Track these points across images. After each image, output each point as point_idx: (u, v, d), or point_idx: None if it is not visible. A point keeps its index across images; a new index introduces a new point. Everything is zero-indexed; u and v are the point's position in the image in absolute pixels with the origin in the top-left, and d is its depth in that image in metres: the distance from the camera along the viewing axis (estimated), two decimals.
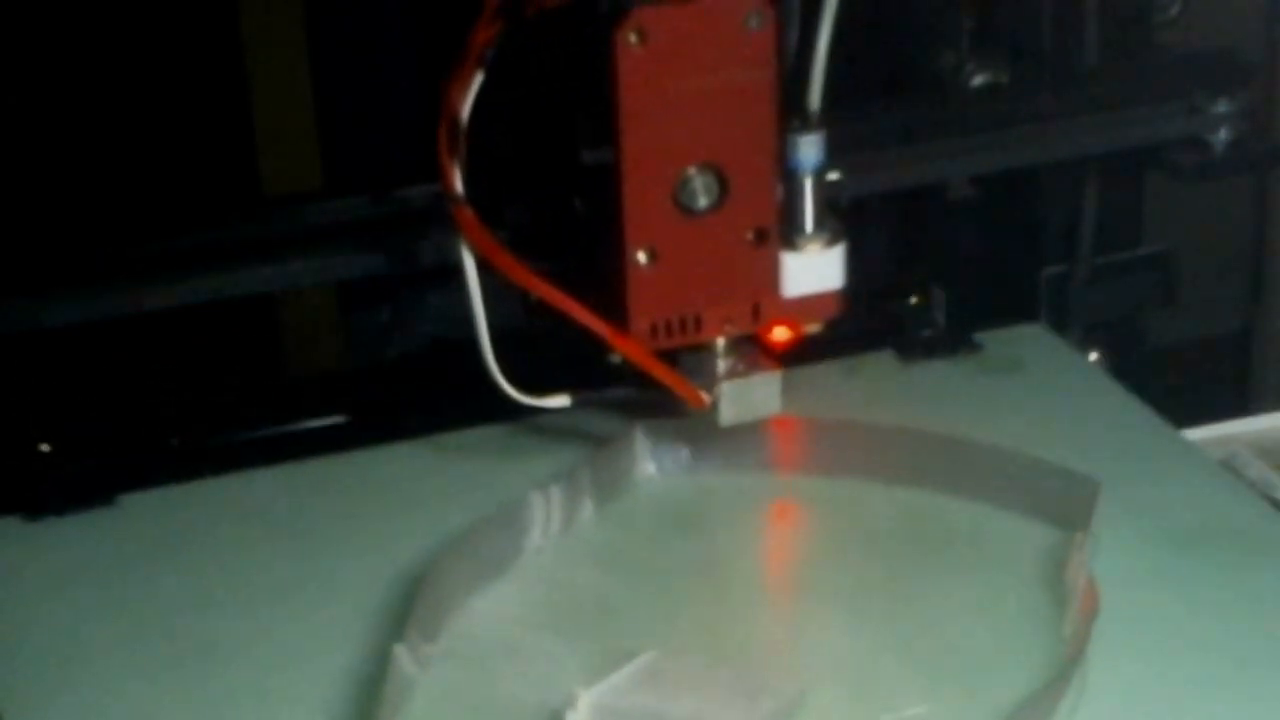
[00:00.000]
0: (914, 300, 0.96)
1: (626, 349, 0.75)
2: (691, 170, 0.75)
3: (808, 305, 0.79)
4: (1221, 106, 1.00)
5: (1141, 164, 1.06)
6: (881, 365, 0.92)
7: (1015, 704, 0.66)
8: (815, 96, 0.77)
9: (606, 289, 0.76)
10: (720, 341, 0.78)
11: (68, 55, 1.00)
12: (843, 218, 0.80)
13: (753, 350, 0.79)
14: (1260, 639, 0.71)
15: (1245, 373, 1.16)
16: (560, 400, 0.78)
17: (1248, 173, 1.09)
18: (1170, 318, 1.10)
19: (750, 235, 0.77)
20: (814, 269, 0.78)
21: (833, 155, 0.84)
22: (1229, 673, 0.70)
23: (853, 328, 0.94)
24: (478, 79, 0.72)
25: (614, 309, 0.76)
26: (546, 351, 0.76)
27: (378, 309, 1.05)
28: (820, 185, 0.78)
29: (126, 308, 0.86)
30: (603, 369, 0.77)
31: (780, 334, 0.79)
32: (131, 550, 0.79)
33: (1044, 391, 0.89)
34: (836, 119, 0.80)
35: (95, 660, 0.73)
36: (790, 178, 0.78)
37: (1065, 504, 0.76)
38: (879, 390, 0.89)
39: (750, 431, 0.81)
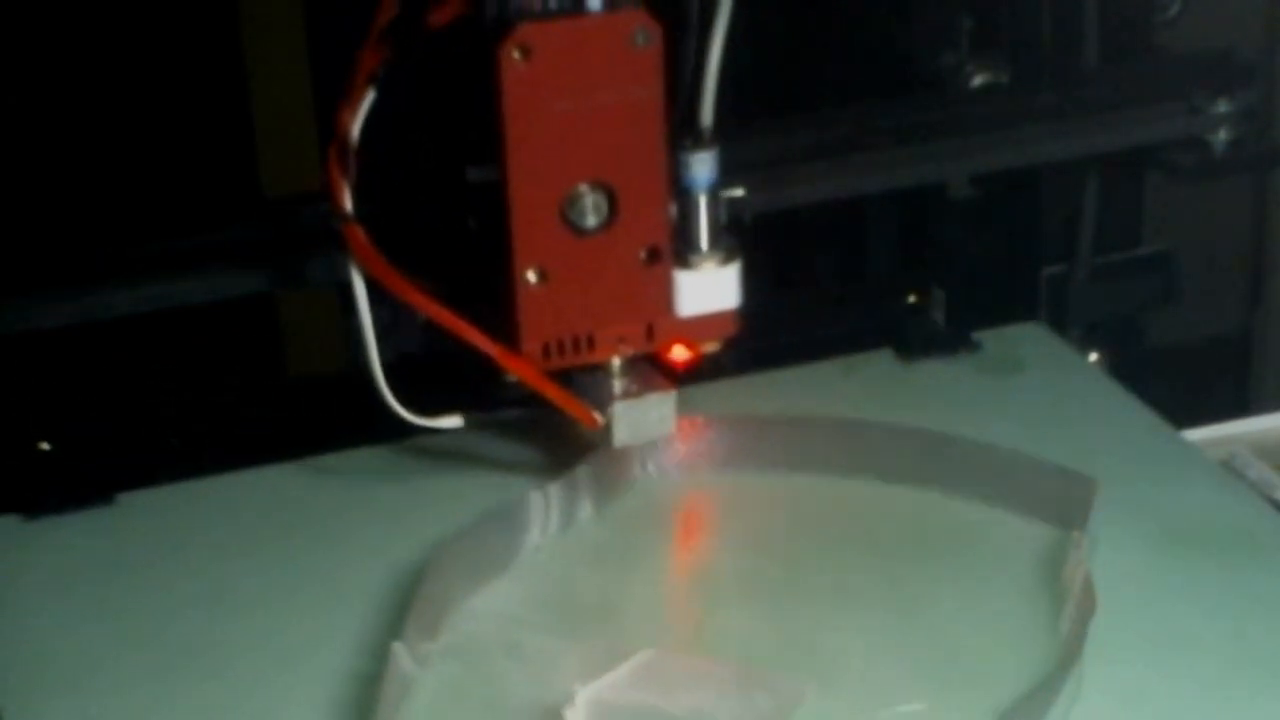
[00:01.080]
0: (912, 299, 0.96)
1: (517, 370, 0.74)
2: (580, 188, 0.74)
3: (704, 324, 0.77)
4: (1221, 106, 1.00)
5: (1141, 164, 1.06)
6: (880, 364, 0.91)
7: (1012, 701, 0.66)
8: (707, 113, 0.76)
9: (500, 308, 0.75)
10: (615, 361, 0.76)
11: (67, 55, 1.00)
12: (740, 234, 0.79)
13: (649, 370, 0.77)
14: (1258, 639, 0.72)
15: (1245, 373, 1.16)
16: (452, 421, 0.78)
17: (1247, 173, 1.09)
18: (1170, 318, 1.10)
19: (642, 254, 0.75)
20: (709, 288, 0.77)
21: (832, 154, 0.85)
22: (1226, 673, 0.70)
23: (851, 326, 0.95)
24: (368, 99, 0.72)
25: (507, 329, 0.75)
26: (452, 370, 0.76)
27: (378, 309, 1.05)
28: (715, 203, 0.77)
29: (125, 308, 0.86)
30: (500, 388, 0.76)
31: (679, 353, 0.78)
32: (130, 549, 0.79)
33: (1043, 391, 0.89)
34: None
35: (94, 660, 0.73)
36: (684, 196, 0.77)
37: (1063, 503, 0.76)
38: (877, 389, 0.89)
39: (751, 431, 0.82)
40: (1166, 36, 1.06)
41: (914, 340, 0.92)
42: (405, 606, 0.71)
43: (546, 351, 0.75)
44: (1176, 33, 1.06)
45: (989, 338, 0.93)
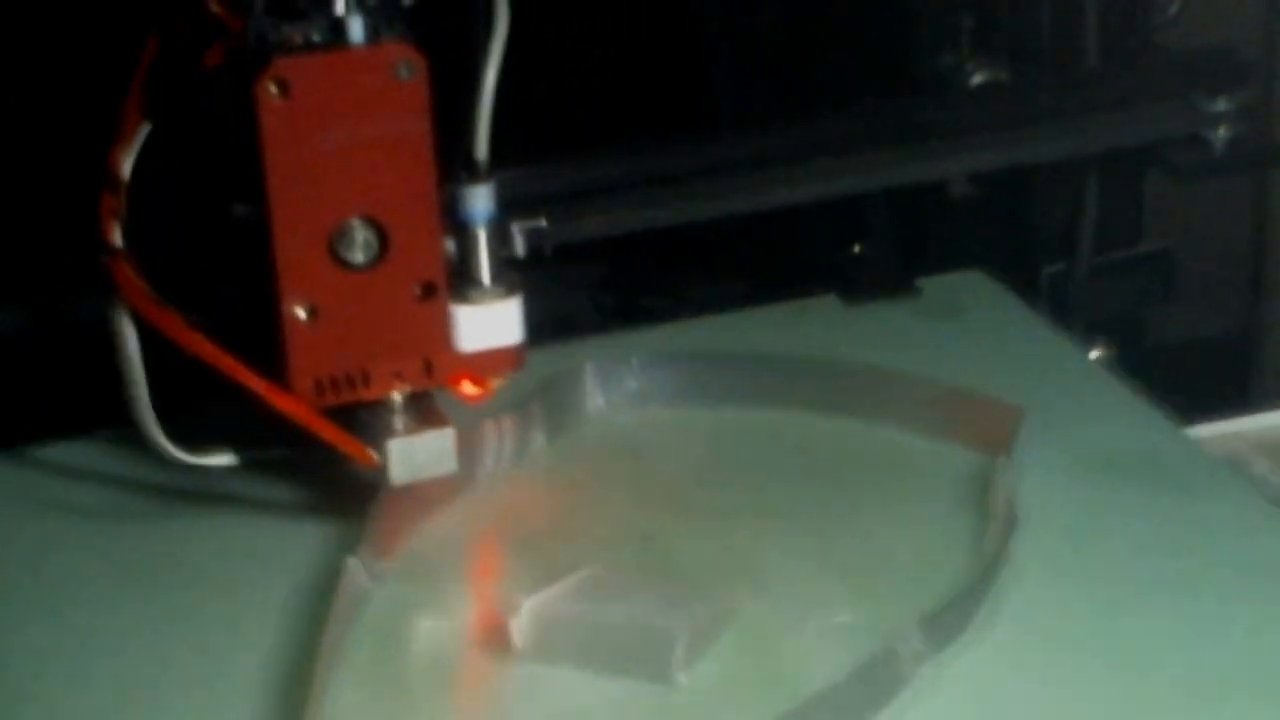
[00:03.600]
0: (857, 248, 0.98)
1: (287, 407, 0.72)
2: (349, 224, 0.72)
3: (485, 360, 0.76)
4: (1221, 105, 1.00)
5: (1141, 163, 1.06)
6: (825, 308, 0.95)
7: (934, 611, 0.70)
8: (482, 146, 0.75)
9: (273, 344, 0.73)
10: (396, 397, 0.75)
11: (66, 56, 1.00)
12: (522, 268, 0.78)
13: (429, 406, 0.75)
14: (1171, 560, 0.74)
15: (1246, 370, 1.16)
16: (225, 459, 0.76)
17: (1247, 171, 1.09)
18: (1171, 316, 1.10)
19: (416, 290, 0.74)
20: (490, 323, 0.76)
21: (836, 153, 0.85)
22: (1139, 587, 0.73)
23: (801, 274, 0.97)
24: (140, 135, 0.72)
25: (281, 365, 0.73)
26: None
27: None
28: (494, 237, 0.76)
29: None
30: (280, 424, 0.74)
31: (468, 389, 0.77)
32: None
33: (979, 332, 0.92)
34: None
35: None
36: (462, 230, 0.75)
37: (990, 432, 0.80)
38: (822, 330, 0.92)
39: (697, 368, 0.86)
40: (1166, 36, 1.06)
41: (858, 285, 0.95)
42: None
43: (319, 388, 0.73)
44: (1176, 32, 1.06)
45: (931, 284, 0.96)
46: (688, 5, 1.10)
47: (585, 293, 1.06)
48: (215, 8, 0.73)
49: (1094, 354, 1.04)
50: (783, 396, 0.85)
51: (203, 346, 0.71)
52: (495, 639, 0.70)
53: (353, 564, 0.72)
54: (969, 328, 0.93)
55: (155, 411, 0.74)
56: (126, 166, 0.72)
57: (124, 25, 0.74)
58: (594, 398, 0.86)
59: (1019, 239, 1.08)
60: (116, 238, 0.72)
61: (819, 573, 0.74)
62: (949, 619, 0.69)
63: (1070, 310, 1.06)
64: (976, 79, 1.06)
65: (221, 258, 0.76)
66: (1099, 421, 0.84)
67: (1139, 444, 0.82)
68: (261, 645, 0.70)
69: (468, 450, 0.78)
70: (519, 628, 0.69)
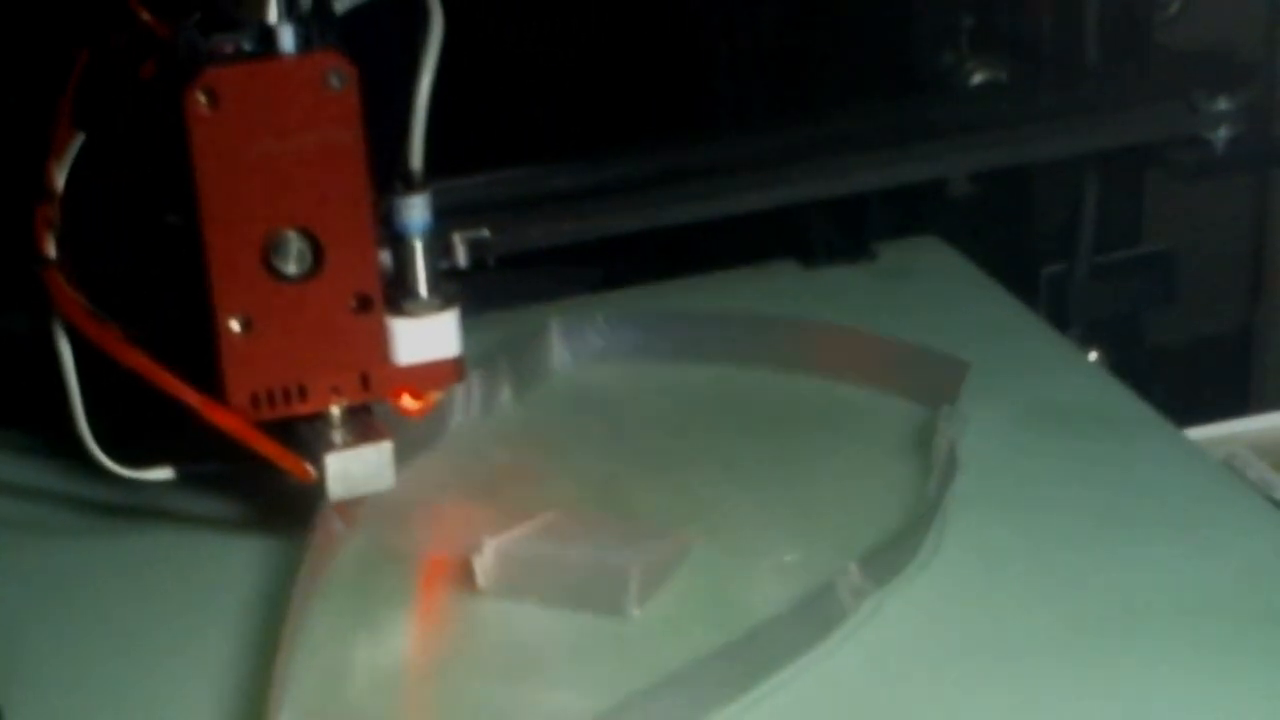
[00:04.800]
0: (816, 216, 1.00)
1: (221, 421, 0.72)
2: (282, 235, 0.71)
3: (424, 373, 0.75)
4: (1221, 105, 1.00)
5: (1141, 162, 1.06)
6: (784, 271, 0.98)
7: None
8: (416, 156, 0.74)
9: (210, 357, 0.73)
10: (335, 411, 0.74)
11: (66, 55, 1.00)
12: (461, 280, 0.77)
13: (367, 420, 0.74)
14: (1101, 500, 0.78)
15: (1245, 372, 1.16)
16: (163, 473, 0.76)
17: (1247, 171, 1.09)
18: (1170, 317, 1.10)
19: (352, 302, 0.73)
20: (427, 335, 0.75)
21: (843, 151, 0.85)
22: (1070, 528, 0.76)
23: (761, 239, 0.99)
24: (74, 147, 0.72)
25: (217, 378, 0.72)
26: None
27: None
28: (431, 248, 0.75)
29: None
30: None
31: (408, 403, 0.76)
32: None
33: (932, 293, 0.95)
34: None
35: None
36: (399, 242, 0.75)
37: (937, 385, 0.83)
38: (781, 292, 0.96)
39: (659, 326, 0.89)
40: (1166, 36, 1.06)
41: (816, 248, 0.97)
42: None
43: (256, 402, 0.72)
44: (1176, 32, 1.06)
45: (888, 247, 0.99)
46: (688, 5, 1.10)
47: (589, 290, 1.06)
48: (147, 18, 0.72)
49: (1092, 355, 1.04)
50: (739, 352, 0.88)
51: (138, 360, 0.71)
52: (461, 577, 0.73)
53: (326, 511, 0.73)
54: (922, 289, 0.96)
55: (91, 424, 0.74)
56: (60, 178, 0.72)
57: (56, 37, 0.73)
58: (560, 353, 0.89)
59: (1019, 239, 1.08)
60: (51, 249, 0.72)
61: (770, 516, 0.78)
62: (888, 556, 0.73)
63: (1069, 310, 1.06)
64: (976, 79, 1.06)
65: (158, 270, 0.76)
66: (1043, 376, 0.87)
67: (1080, 397, 0.86)
68: (208, 661, 0.70)
69: (438, 404, 0.80)
70: (483, 566, 0.73)
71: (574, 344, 0.89)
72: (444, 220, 0.76)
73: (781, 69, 1.10)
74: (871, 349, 0.87)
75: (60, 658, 0.72)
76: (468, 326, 0.77)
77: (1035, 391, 0.86)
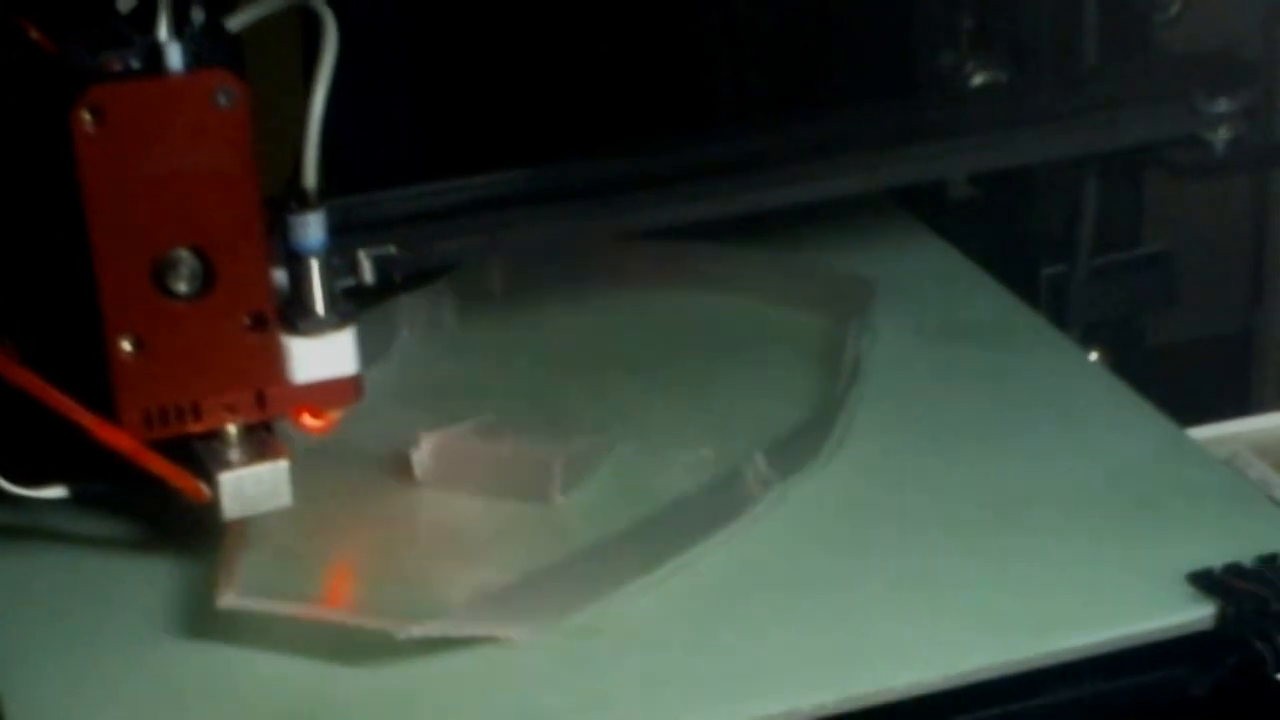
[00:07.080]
0: None
1: (112, 440, 0.71)
2: (173, 254, 0.71)
3: (321, 391, 0.75)
4: (1221, 106, 1.00)
5: (1141, 163, 1.06)
6: None
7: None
8: (311, 174, 0.74)
9: (102, 376, 0.72)
10: (231, 430, 0.73)
11: None
12: (362, 298, 0.78)
13: (266, 438, 0.74)
14: (992, 405, 0.86)
15: (1246, 372, 1.16)
16: (56, 491, 0.76)
17: (1247, 172, 1.09)
18: (1170, 317, 1.10)
19: (246, 321, 0.72)
20: (324, 354, 0.75)
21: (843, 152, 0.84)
22: (962, 431, 0.84)
23: None
24: None
25: (109, 397, 0.72)
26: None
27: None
28: (327, 267, 0.75)
29: None
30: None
31: (309, 421, 0.76)
32: None
33: (850, 228, 1.00)
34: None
35: None
36: (295, 260, 0.74)
37: (847, 303, 0.91)
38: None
39: (587, 253, 0.96)
40: (1166, 36, 1.06)
41: None
42: None
43: (148, 421, 0.72)
44: (1176, 32, 1.06)
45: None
46: (687, 6, 1.10)
47: None
48: (35, 35, 0.72)
49: (1093, 355, 1.04)
50: (667, 276, 0.96)
51: (27, 379, 0.70)
52: (400, 470, 0.80)
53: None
54: (841, 223, 1.00)
55: None
56: None
57: None
58: (500, 277, 0.95)
59: (1018, 240, 1.08)
60: None
61: (688, 420, 0.85)
62: (793, 448, 0.80)
63: (1069, 312, 1.06)
64: (976, 79, 1.06)
65: (51, 289, 0.75)
66: (948, 296, 0.95)
67: (982, 314, 0.94)
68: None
69: (384, 324, 0.89)
70: (419, 460, 0.80)
71: (514, 269, 0.95)
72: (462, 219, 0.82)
73: (781, 69, 1.10)
74: (786, 269, 0.95)
75: None
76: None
77: (939, 308, 0.94)
